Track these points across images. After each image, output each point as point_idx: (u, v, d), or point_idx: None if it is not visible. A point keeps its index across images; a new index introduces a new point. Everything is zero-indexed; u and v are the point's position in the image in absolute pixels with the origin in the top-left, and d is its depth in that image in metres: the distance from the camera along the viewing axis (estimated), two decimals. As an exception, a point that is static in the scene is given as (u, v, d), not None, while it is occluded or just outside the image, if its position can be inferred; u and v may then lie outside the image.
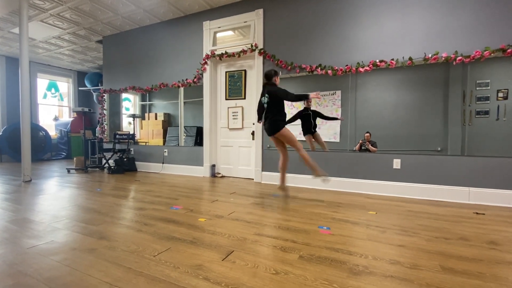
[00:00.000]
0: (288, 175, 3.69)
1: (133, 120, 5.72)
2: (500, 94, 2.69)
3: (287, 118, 2.94)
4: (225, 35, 4.32)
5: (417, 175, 3.00)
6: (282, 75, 3.72)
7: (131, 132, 5.21)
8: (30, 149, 3.95)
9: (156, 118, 5.32)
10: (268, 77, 2.76)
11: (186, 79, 4.58)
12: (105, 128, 5.65)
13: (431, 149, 2.98)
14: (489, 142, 2.74)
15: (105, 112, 5.65)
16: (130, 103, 5.94)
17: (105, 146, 5.34)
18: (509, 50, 2.59)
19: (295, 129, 3.66)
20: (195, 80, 4.48)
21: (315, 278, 1.26)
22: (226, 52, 4.15)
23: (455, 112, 2.87)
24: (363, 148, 3.31)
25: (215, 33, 4.34)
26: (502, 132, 2.68)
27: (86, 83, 7.54)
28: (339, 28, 3.39)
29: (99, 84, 7.28)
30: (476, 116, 2.78)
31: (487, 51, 2.65)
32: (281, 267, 1.36)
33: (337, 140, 3.47)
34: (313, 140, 3.59)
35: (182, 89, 4.77)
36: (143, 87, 5.07)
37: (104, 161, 5.12)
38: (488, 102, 2.73)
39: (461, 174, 2.82)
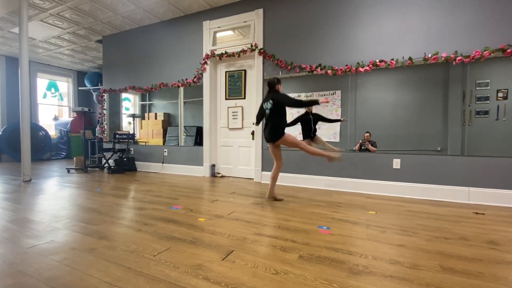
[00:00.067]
0: (288, 175, 3.70)
1: (133, 120, 5.72)
2: (500, 94, 2.69)
3: (287, 122, 2.90)
4: (225, 35, 4.31)
5: (417, 175, 3.00)
6: (282, 75, 3.72)
7: (131, 132, 5.21)
8: (30, 149, 3.95)
9: (156, 118, 5.32)
10: (271, 86, 2.70)
11: (186, 79, 4.58)
12: (105, 128, 5.65)
13: (431, 149, 2.99)
14: (489, 142, 2.74)
15: (105, 112, 5.64)
16: (130, 103, 5.94)
17: (105, 146, 5.34)
18: (509, 50, 2.59)
19: (294, 130, 3.66)
20: (195, 80, 4.48)
21: (315, 278, 1.26)
22: (226, 52, 4.15)
23: (455, 112, 2.87)
24: (363, 148, 3.31)
25: (215, 33, 4.33)
26: (502, 132, 2.69)
27: (86, 83, 7.53)
28: (339, 28, 3.39)
29: (99, 84, 7.27)
30: (476, 116, 2.79)
31: (487, 51, 2.66)
32: (281, 267, 1.36)
33: (337, 140, 3.48)
34: (313, 143, 3.58)
35: (182, 89, 4.77)
36: (143, 87, 5.07)
37: (104, 161, 5.12)
38: (488, 102, 2.74)
39: (461, 174, 2.83)
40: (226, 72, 4.40)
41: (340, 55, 3.37)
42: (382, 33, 3.16)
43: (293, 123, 3.60)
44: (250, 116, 4.19)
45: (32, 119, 6.91)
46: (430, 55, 2.89)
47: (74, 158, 5.21)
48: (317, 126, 3.55)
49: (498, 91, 2.70)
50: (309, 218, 2.19)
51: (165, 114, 5.24)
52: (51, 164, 6.19)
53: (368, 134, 3.28)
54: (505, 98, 2.67)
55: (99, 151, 5.56)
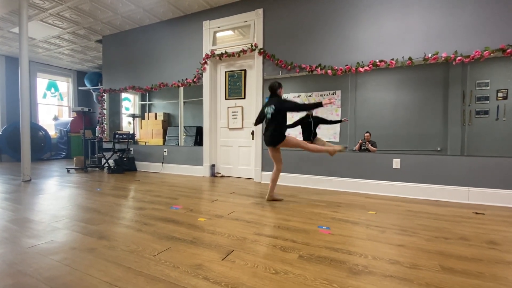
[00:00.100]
0: (288, 175, 3.70)
1: (133, 119, 5.72)
2: (500, 94, 2.69)
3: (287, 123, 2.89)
4: (225, 34, 4.31)
5: (417, 175, 3.01)
6: (282, 74, 3.72)
7: (131, 132, 5.21)
8: (29, 148, 3.95)
9: (156, 118, 5.31)
10: (273, 90, 2.70)
11: (186, 79, 4.58)
12: (105, 127, 5.64)
13: (430, 149, 2.99)
14: (488, 142, 2.74)
15: (104, 111, 5.64)
16: (129, 102, 5.94)
17: (105, 145, 5.34)
18: (508, 50, 2.59)
19: (294, 130, 3.66)
20: (195, 79, 4.48)
21: (315, 277, 1.26)
22: (226, 52, 4.15)
23: (455, 112, 2.87)
24: (363, 148, 3.31)
25: (215, 32, 4.33)
26: (501, 132, 2.69)
27: (86, 83, 7.53)
28: (339, 28, 3.39)
29: (99, 84, 7.27)
30: (476, 116, 2.79)
31: (486, 51, 2.66)
32: (281, 267, 1.36)
33: (337, 140, 3.48)
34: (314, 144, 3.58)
35: (182, 88, 4.77)
36: (143, 87, 5.07)
37: (104, 160, 5.12)
38: (488, 102, 2.73)
39: (461, 174, 2.83)
40: (226, 72, 4.40)
41: (340, 55, 3.37)
42: (382, 33, 3.16)
43: (293, 125, 3.60)
44: (250, 116, 4.19)
45: (32, 119, 6.92)
46: (430, 55, 2.89)
47: (74, 158, 5.21)
48: (317, 135, 3.54)
49: (498, 91, 2.70)
50: (309, 218, 2.19)
51: (165, 114, 5.24)
52: (51, 164, 6.19)
53: (368, 134, 3.28)
54: (505, 98, 2.67)
55: (99, 151, 5.56)
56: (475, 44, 2.75)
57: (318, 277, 1.26)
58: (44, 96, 7.76)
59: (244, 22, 4.03)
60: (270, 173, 3.86)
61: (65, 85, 8.23)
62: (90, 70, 8.21)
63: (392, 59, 3.06)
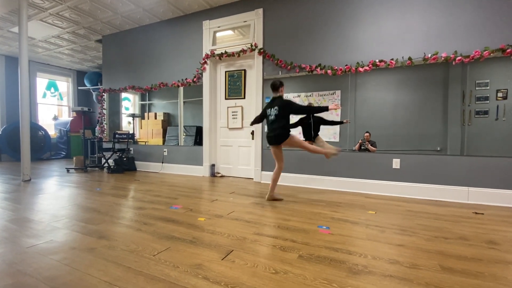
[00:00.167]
0: (288, 175, 3.70)
1: (133, 119, 5.72)
2: (500, 94, 2.69)
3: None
4: (224, 34, 4.31)
5: (417, 175, 3.01)
6: (282, 74, 3.72)
7: (131, 132, 5.20)
8: (29, 148, 3.95)
9: (155, 118, 5.31)
10: (275, 87, 2.70)
11: (186, 79, 4.58)
12: (105, 127, 5.64)
13: (430, 149, 2.99)
14: (488, 142, 2.74)
15: (104, 111, 5.64)
16: (129, 102, 5.93)
17: (105, 145, 5.34)
18: (508, 50, 2.59)
19: (293, 130, 3.66)
20: (194, 79, 4.48)
21: (315, 277, 1.26)
22: (225, 52, 4.15)
23: (455, 112, 2.87)
24: (362, 148, 3.31)
25: (214, 32, 4.33)
26: (501, 132, 2.69)
27: (86, 83, 7.53)
28: (339, 27, 3.39)
29: (99, 84, 7.27)
30: (476, 116, 2.79)
31: (486, 51, 2.66)
32: (281, 267, 1.36)
33: (337, 140, 3.48)
34: (314, 144, 3.58)
35: (181, 88, 4.77)
36: (143, 87, 5.07)
37: (103, 160, 5.12)
38: (488, 102, 2.74)
39: (461, 174, 2.83)
40: (226, 72, 4.40)
41: (340, 55, 3.37)
42: (382, 33, 3.16)
43: (294, 126, 3.60)
44: (249, 116, 4.18)
45: (31, 118, 6.92)
46: (429, 55, 2.89)
47: (74, 158, 5.21)
48: (318, 136, 3.54)
49: (497, 91, 2.70)
50: (308, 218, 2.19)
51: (164, 114, 5.24)
52: (51, 163, 6.18)
53: (367, 134, 3.28)
54: (505, 98, 2.67)
55: (98, 151, 5.56)
56: (475, 44, 2.75)
57: (317, 277, 1.27)
58: (44, 95, 7.75)
59: (244, 22, 4.03)
60: (270, 173, 3.86)
61: (65, 85, 8.23)
62: (90, 70, 8.21)
63: (392, 59, 3.06)
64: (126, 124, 5.78)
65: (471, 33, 2.78)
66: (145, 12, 4.50)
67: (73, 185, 3.55)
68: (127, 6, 4.31)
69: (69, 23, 4.90)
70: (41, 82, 7.63)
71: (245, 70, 4.23)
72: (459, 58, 2.76)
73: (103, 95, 5.63)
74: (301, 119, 3.60)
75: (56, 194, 2.97)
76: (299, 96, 3.69)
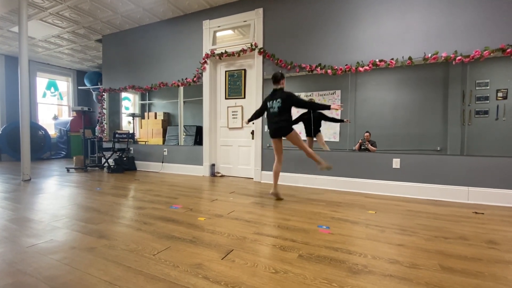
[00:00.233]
0: (288, 175, 3.70)
1: (133, 119, 5.71)
2: (500, 94, 2.69)
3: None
4: (224, 34, 4.31)
5: (417, 175, 3.01)
6: (282, 74, 3.72)
7: (131, 131, 5.20)
8: (29, 148, 3.95)
9: (155, 117, 5.31)
10: (277, 79, 2.72)
11: (186, 78, 4.58)
12: (105, 127, 5.64)
13: (430, 148, 2.99)
14: (488, 142, 2.74)
15: (104, 111, 5.64)
16: (129, 102, 5.93)
17: (105, 145, 5.34)
18: (508, 50, 2.59)
19: (295, 127, 3.65)
20: (194, 79, 4.48)
21: (315, 277, 1.26)
22: (225, 51, 4.15)
23: (455, 112, 2.87)
24: (362, 147, 3.31)
25: (214, 32, 4.33)
26: (501, 132, 2.69)
27: (86, 82, 7.53)
28: (339, 27, 3.39)
29: (99, 83, 7.27)
30: (476, 116, 2.78)
31: (486, 51, 2.66)
32: (281, 266, 1.36)
33: (337, 139, 3.48)
34: (314, 141, 3.59)
35: (181, 88, 4.77)
36: (143, 86, 5.07)
37: (103, 160, 5.12)
38: (488, 101, 2.73)
39: (460, 173, 2.83)
40: (226, 71, 4.40)
41: (340, 54, 3.37)
42: (382, 33, 3.16)
43: (295, 121, 3.62)
44: (249, 116, 4.18)
45: (31, 118, 6.92)
46: (430, 55, 2.89)
47: (74, 158, 5.21)
48: (319, 131, 3.55)
49: (497, 91, 2.70)
50: (308, 218, 2.19)
51: (164, 113, 5.23)
52: (51, 163, 6.18)
53: (368, 133, 3.28)
54: (505, 98, 2.67)
55: (98, 151, 5.56)
56: (475, 44, 2.75)
57: (317, 277, 1.27)
58: (44, 95, 7.75)
59: (244, 21, 4.03)
60: (270, 173, 3.86)
61: (64, 85, 8.22)
62: (90, 70, 8.20)
63: (392, 59, 3.06)
64: (126, 123, 5.78)
65: (471, 33, 2.78)
66: (145, 11, 4.50)
67: (73, 184, 3.55)
68: (127, 5, 4.30)
69: (69, 23, 4.90)
70: (41, 81, 7.63)
71: (245, 70, 4.23)
72: (459, 58, 2.76)
73: (103, 95, 5.63)
74: (301, 114, 3.62)
75: (56, 194, 2.97)
76: (299, 95, 3.68)
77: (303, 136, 3.63)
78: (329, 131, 3.52)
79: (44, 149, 7.06)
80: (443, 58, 2.83)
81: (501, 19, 2.67)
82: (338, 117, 3.44)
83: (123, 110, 5.75)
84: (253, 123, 4.07)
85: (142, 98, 5.64)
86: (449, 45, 2.85)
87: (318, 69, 3.44)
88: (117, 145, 5.02)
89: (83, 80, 7.90)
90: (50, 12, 4.46)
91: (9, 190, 3.17)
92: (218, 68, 4.49)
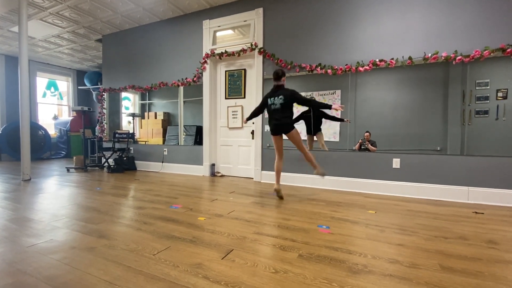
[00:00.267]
0: (288, 175, 3.70)
1: (133, 119, 5.71)
2: (500, 94, 2.69)
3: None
4: (225, 34, 4.31)
5: (417, 175, 3.01)
6: (282, 74, 3.72)
7: (131, 131, 5.20)
8: (29, 148, 3.95)
9: (155, 117, 5.31)
10: (278, 76, 2.73)
11: (186, 78, 4.58)
12: (105, 127, 5.64)
13: (430, 148, 2.99)
14: (488, 141, 2.74)
15: (104, 111, 5.64)
16: (129, 102, 5.93)
17: (105, 145, 5.34)
18: (508, 50, 2.59)
19: (296, 126, 3.65)
20: (194, 79, 4.48)
21: (315, 276, 1.26)
22: (226, 51, 4.15)
23: (455, 112, 2.87)
24: (362, 147, 3.31)
25: (214, 32, 4.33)
26: (501, 132, 2.69)
27: (86, 82, 7.52)
28: (339, 27, 3.39)
29: (99, 83, 7.27)
30: (476, 115, 2.78)
31: (486, 51, 2.66)
32: (281, 266, 1.36)
33: (337, 139, 3.47)
34: (315, 140, 3.59)
35: (181, 88, 4.77)
36: (143, 86, 5.07)
37: (103, 160, 5.12)
38: (488, 101, 2.73)
39: (460, 173, 2.83)
40: (226, 71, 4.40)
41: (340, 54, 3.37)
42: (382, 33, 3.16)
43: (296, 120, 3.62)
44: (248, 115, 4.18)
45: (31, 118, 6.92)
46: (430, 55, 2.89)
47: (74, 157, 5.21)
48: (319, 130, 3.55)
49: (497, 90, 2.70)
50: (308, 217, 2.19)
51: (165, 113, 5.23)
52: (51, 163, 6.18)
53: (368, 133, 3.28)
54: (505, 97, 2.67)
55: (98, 150, 5.56)
56: (475, 44, 2.75)
57: (317, 276, 1.27)
58: (44, 95, 7.75)
59: (244, 21, 4.03)
60: (270, 173, 3.86)
61: (64, 84, 8.22)
62: (90, 69, 8.20)
63: (392, 59, 3.06)
64: (126, 123, 5.78)
65: (471, 32, 2.78)
66: (145, 11, 4.50)
67: (73, 184, 3.55)
68: (127, 5, 4.30)
69: (69, 23, 4.90)
70: (41, 81, 7.63)
71: (245, 70, 4.23)
72: (459, 57, 2.76)
73: (103, 95, 5.63)
74: (302, 112, 3.63)
75: (56, 194, 2.97)
76: (299, 95, 3.68)
77: (303, 135, 3.63)
78: (329, 131, 3.52)
79: (44, 149, 7.06)
80: (443, 58, 2.83)
81: (501, 19, 2.67)
82: (339, 117, 3.44)
83: (123, 110, 5.75)
84: (253, 123, 4.07)
85: (142, 98, 5.64)
86: (449, 45, 2.85)
87: (318, 69, 3.44)
88: (117, 145, 5.02)
89: (83, 80, 7.90)
90: (50, 12, 4.46)
91: (9, 190, 3.17)
92: (218, 68, 4.49)
